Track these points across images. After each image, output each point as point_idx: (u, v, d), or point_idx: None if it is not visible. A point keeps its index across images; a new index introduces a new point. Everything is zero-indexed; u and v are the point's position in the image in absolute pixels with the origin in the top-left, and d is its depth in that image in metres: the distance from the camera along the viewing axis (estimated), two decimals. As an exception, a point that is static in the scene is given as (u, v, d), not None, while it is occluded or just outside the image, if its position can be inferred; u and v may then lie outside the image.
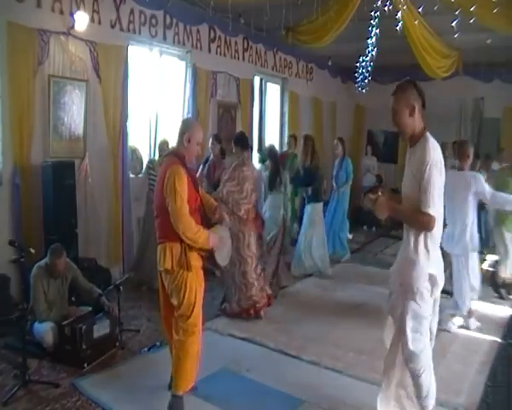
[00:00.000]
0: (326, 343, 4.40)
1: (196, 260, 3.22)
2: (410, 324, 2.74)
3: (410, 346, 2.74)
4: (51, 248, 4.15)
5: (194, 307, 3.16)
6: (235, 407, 3.34)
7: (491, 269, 6.38)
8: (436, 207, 2.62)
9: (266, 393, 3.52)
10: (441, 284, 2.79)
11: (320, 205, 6.65)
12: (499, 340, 4.59)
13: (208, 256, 3.30)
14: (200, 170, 6.24)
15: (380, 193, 2.70)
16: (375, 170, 10.61)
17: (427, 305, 2.76)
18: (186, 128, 3.27)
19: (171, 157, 3.24)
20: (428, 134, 2.71)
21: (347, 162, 7.64)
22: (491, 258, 7.43)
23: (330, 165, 8.44)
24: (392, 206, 2.71)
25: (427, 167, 2.57)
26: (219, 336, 4.50)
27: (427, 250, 2.71)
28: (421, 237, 2.70)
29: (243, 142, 5.12)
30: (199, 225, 3.17)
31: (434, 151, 2.62)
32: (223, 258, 3.45)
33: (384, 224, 7.41)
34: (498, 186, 5.18)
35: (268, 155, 6.42)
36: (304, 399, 3.42)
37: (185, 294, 3.14)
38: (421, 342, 2.79)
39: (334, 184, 7.70)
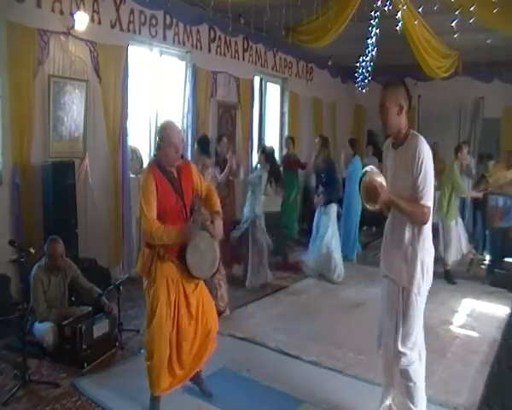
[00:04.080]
0: (326, 343, 4.40)
1: (169, 272, 3.07)
2: (407, 320, 2.74)
3: (400, 345, 2.74)
4: (48, 239, 4.20)
5: (153, 317, 3.04)
6: (235, 406, 3.34)
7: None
8: (431, 200, 2.68)
9: (266, 393, 3.52)
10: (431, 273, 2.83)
11: (336, 205, 6.53)
12: (499, 340, 4.59)
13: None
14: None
15: (383, 180, 2.65)
16: None
17: (423, 298, 2.78)
18: (158, 131, 3.26)
19: (150, 161, 3.28)
20: (414, 131, 2.76)
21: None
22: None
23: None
24: (391, 196, 2.68)
25: (423, 162, 2.62)
26: (219, 336, 4.45)
27: (424, 241, 2.74)
28: (417, 229, 2.72)
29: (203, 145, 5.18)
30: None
31: (425, 146, 2.68)
32: (202, 270, 3.15)
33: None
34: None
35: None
36: (304, 399, 3.42)
37: (147, 301, 3.10)
38: (414, 337, 2.78)
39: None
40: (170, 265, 3.09)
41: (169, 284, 3.09)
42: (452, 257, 6.39)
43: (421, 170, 2.62)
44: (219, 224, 3.15)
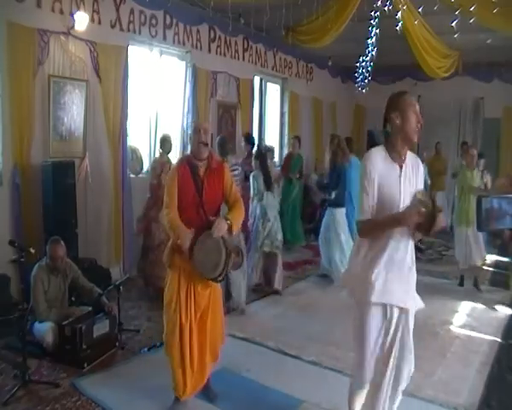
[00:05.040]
0: (326, 343, 4.39)
1: (181, 262, 3.16)
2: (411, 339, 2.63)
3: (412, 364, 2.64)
4: (49, 239, 4.21)
5: (168, 306, 3.16)
6: (235, 407, 3.34)
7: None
8: None
9: (266, 393, 3.52)
10: None
11: (344, 209, 6.23)
12: (499, 340, 4.59)
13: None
14: None
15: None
16: None
17: None
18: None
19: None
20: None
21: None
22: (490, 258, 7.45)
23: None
24: None
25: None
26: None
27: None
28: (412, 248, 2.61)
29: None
30: (194, 221, 3.10)
31: None
32: (205, 269, 3.10)
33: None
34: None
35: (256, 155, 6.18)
36: (304, 399, 3.42)
37: (166, 290, 3.23)
38: None
39: None
40: (183, 255, 3.14)
41: (181, 272, 3.18)
42: (460, 264, 6.19)
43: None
44: (220, 223, 3.07)
